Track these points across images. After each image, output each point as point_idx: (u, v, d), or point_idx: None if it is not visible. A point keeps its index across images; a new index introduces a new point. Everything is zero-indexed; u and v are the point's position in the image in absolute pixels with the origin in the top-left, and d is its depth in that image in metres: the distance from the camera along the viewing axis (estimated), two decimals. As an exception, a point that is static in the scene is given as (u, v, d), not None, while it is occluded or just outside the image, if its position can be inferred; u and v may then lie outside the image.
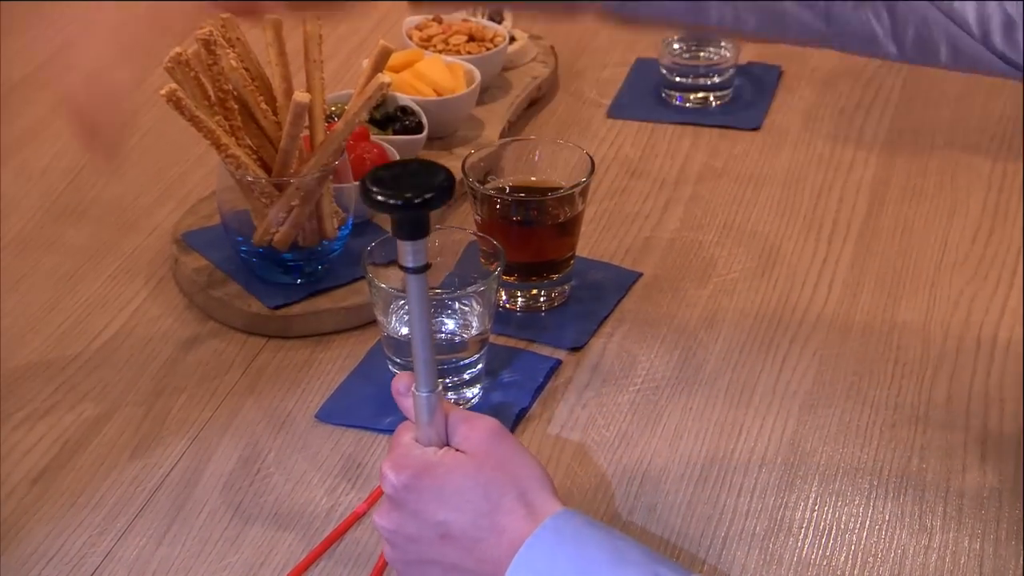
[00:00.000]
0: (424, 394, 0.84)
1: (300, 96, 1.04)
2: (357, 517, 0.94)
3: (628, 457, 0.99)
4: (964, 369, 1.06)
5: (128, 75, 0.87)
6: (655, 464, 0.99)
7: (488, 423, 0.85)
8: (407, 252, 0.81)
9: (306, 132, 1.10)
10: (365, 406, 1.03)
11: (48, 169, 1.29)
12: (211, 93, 1.06)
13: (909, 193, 1.26)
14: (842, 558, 0.92)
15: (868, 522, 0.94)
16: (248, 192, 1.09)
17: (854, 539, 0.93)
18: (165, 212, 1.23)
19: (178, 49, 1.04)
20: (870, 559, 0.92)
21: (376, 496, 0.96)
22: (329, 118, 1.14)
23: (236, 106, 1.07)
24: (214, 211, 1.17)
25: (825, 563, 0.91)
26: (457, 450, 0.85)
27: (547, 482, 0.84)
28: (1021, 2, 0.84)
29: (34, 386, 1.05)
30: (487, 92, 1.36)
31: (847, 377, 1.06)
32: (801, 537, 0.93)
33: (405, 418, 0.88)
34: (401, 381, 0.88)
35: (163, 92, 1.01)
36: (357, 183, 1.13)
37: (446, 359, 1.02)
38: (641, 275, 1.17)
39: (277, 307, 1.11)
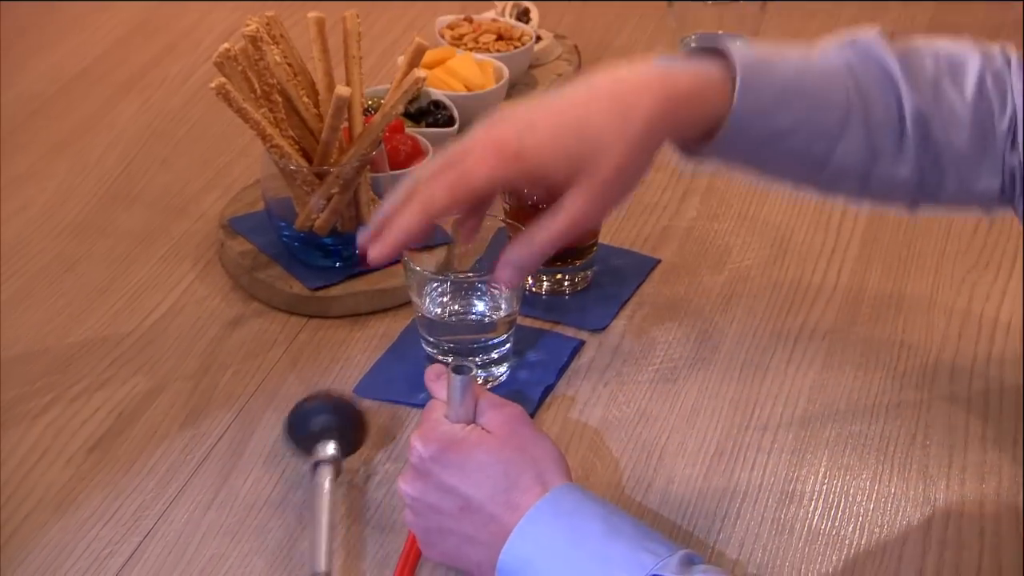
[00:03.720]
0: (458, 378, 0.84)
1: (341, 90, 1.05)
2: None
3: (647, 433, 1.00)
4: (966, 351, 1.06)
5: None
6: (672, 439, 0.99)
7: (514, 409, 0.86)
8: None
9: (345, 124, 1.10)
10: (399, 382, 1.04)
11: (102, 158, 1.30)
12: (256, 87, 1.07)
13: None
14: (850, 528, 0.92)
15: (875, 495, 0.94)
16: (291, 180, 1.10)
17: (861, 511, 0.93)
18: (212, 199, 1.24)
19: (226, 45, 1.04)
20: (876, 529, 0.92)
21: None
22: (367, 111, 1.15)
23: (280, 99, 1.08)
24: (258, 198, 1.17)
25: (834, 533, 0.92)
26: (483, 429, 0.85)
27: (563, 466, 0.84)
28: None
29: (90, 361, 1.06)
30: (515, 88, 1.36)
31: (855, 358, 1.06)
32: (811, 508, 0.93)
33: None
34: (433, 370, 0.90)
35: (213, 85, 1.02)
36: (393, 172, 1.15)
37: (476, 339, 1.02)
38: (660, 261, 1.17)
39: (317, 288, 1.11)
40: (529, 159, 0.82)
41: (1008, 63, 0.91)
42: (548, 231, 0.84)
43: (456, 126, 1.26)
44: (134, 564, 0.89)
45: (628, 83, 0.84)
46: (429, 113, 1.26)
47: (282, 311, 1.11)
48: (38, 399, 1.02)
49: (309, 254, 1.13)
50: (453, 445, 0.84)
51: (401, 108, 1.09)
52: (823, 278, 1.15)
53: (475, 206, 0.88)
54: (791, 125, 0.86)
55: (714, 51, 0.86)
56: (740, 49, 0.86)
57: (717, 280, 1.15)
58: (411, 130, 1.22)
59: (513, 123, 0.84)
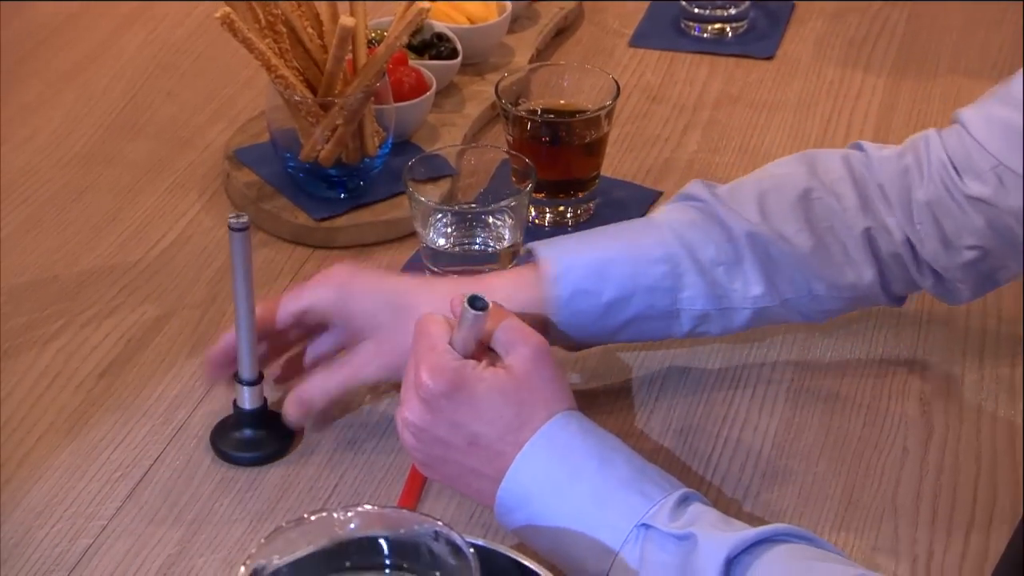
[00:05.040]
0: (472, 312, 0.81)
1: (346, 20, 1.04)
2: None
3: (650, 362, 1.00)
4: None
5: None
6: (674, 368, 0.99)
7: (535, 342, 0.83)
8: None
9: (349, 56, 1.09)
10: (405, 311, 1.04)
11: (108, 89, 1.29)
12: (261, 18, 1.06)
13: (914, 118, 1.26)
14: (848, 453, 0.92)
15: (874, 419, 0.95)
16: (295, 111, 1.09)
17: (859, 435, 0.94)
18: (217, 131, 1.23)
19: (232, -25, 1.03)
20: (873, 453, 0.93)
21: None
22: (370, 43, 1.14)
23: (284, 30, 1.07)
24: (262, 130, 1.17)
25: (832, 457, 0.92)
26: (498, 365, 0.83)
27: (574, 409, 0.83)
28: None
29: (99, 288, 1.06)
30: (517, 22, 1.35)
31: (853, 289, 1.06)
32: (809, 434, 0.94)
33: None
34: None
35: (218, 15, 1.01)
36: (397, 104, 1.14)
37: (480, 269, 1.02)
38: (661, 194, 1.17)
39: (322, 219, 1.11)
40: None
41: (863, 150, 0.96)
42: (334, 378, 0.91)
43: (459, 59, 1.25)
44: (145, 486, 0.90)
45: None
46: (432, 45, 1.25)
47: (287, 241, 1.11)
48: (48, 325, 1.02)
49: (314, 185, 1.13)
50: (466, 384, 0.81)
51: (405, 40, 1.09)
52: (823, 210, 1.15)
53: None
54: (617, 294, 0.91)
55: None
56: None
57: (718, 212, 1.15)
58: (414, 62, 1.22)
59: None
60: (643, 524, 0.76)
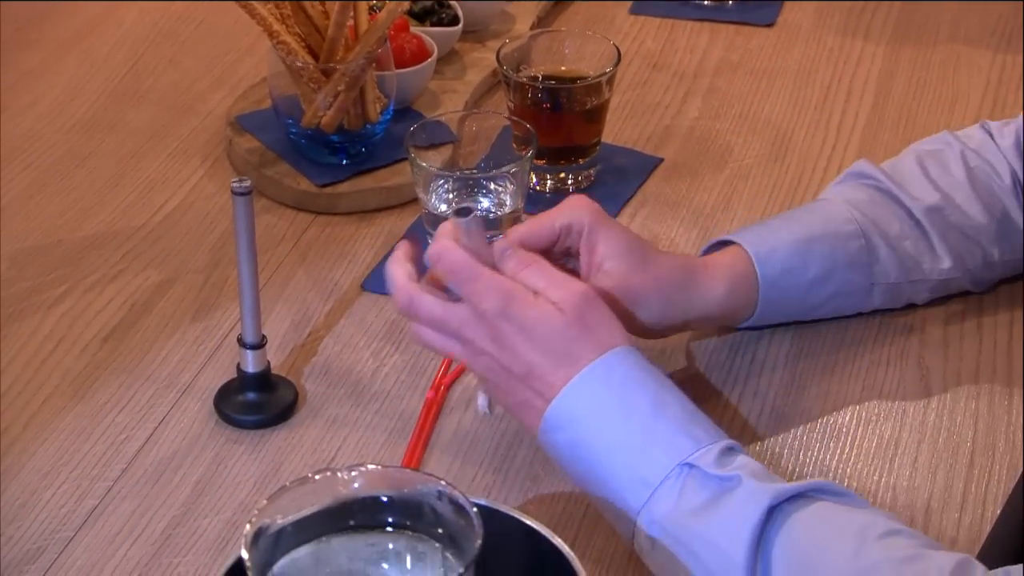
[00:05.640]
0: (463, 220, 0.82)
1: (348, -14, 1.04)
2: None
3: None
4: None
5: None
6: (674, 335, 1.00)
7: (584, 288, 0.83)
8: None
9: (351, 22, 1.09)
10: (407, 276, 1.04)
11: (110, 56, 1.29)
12: (263, -17, 1.06)
13: (913, 85, 1.26)
14: (847, 418, 0.93)
15: (872, 383, 0.95)
16: (297, 77, 1.09)
17: (858, 400, 0.94)
18: (219, 97, 1.23)
19: (233, -60, 1.03)
20: (873, 417, 0.93)
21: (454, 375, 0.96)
22: (372, 9, 1.14)
23: (287, -4, 1.07)
24: (264, 96, 1.17)
25: (831, 421, 0.93)
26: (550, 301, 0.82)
27: (631, 347, 0.82)
28: None
29: (103, 253, 1.06)
30: (519, -11, 1.35)
31: (853, 255, 1.06)
32: (810, 398, 0.94)
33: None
34: (440, 233, 0.87)
35: (220, -20, 1.01)
36: (399, 71, 1.14)
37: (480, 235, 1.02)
38: (662, 160, 1.17)
39: (324, 185, 1.11)
40: None
41: (989, 133, 1.00)
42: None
43: (460, 25, 1.24)
44: (150, 448, 0.90)
45: None
46: (433, 12, 1.25)
47: (290, 207, 1.11)
48: (52, 289, 1.02)
49: (316, 151, 1.13)
50: (517, 301, 0.81)
51: (406, 6, 1.09)
52: (823, 176, 1.15)
53: None
54: (819, 271, 0.94)
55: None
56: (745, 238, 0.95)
57: (719, 179, 1.15)
58: (416, 29, 1.21)
59: None
60: (687, 463, 0.77)
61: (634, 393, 0.80)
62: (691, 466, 0.77)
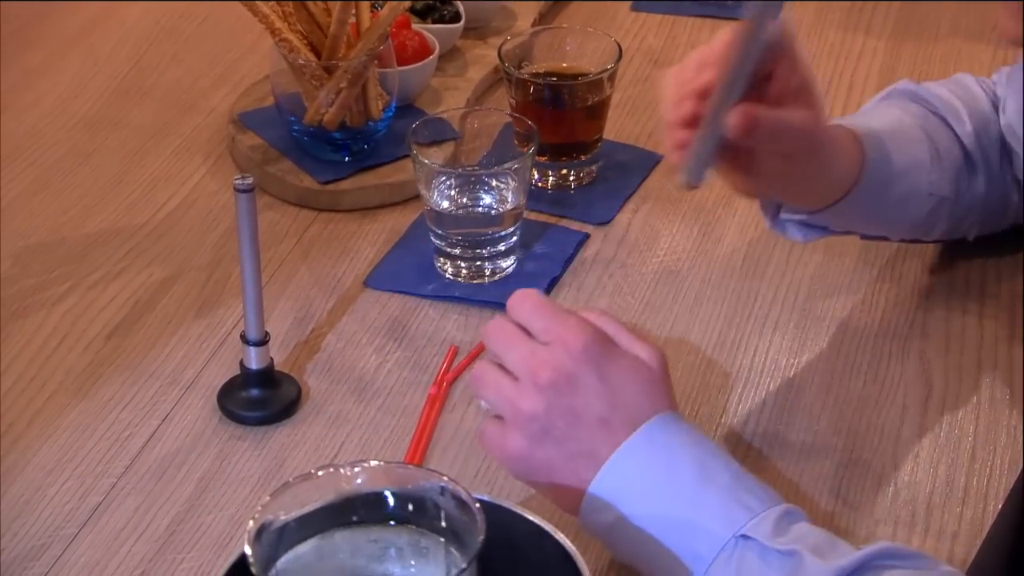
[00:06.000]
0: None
1: (349, -17, 1.04)
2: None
3: (652, 322, 1.00)
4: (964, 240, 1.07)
5: None
6: (677, 328, 1.00)
7: (658, 352, 0.80)
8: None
9: (353, 19, 1.09)
10: (409, 273, 1.04)
11: (113, 54, 1.29)
12: (265, -20, 1.06)
13: (915, 80, 1.25)
14: (849, 411, 0.93)
15: (874, 379, 0.95)
16: (299, 75, 1.09)
17: (860, 394, 0.94)
18: (221, 95, 1.23)
19: (235, -62, 1.03)
20: (875, 411, 0.93)
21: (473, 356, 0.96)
22: (374, 7, 1.14)
23: (289, -7, 1.07)
24: (267, 94, 1.17)
25: (834, 415, 0.93)
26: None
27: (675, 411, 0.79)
28: None
29: (106, 251, 1.06)
30: (521, -16, 1.35)
31: (855, 251, 1.06)
32: (811, 393, 0.94)
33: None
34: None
35: (222, -22, 1.01)
36: (400, 68, 1.14)
37: (483, 232, 1.02)
38: (664, 157, 1.17)
39: (327, 182, 1.11)
40: None
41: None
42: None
43: (461, 22, 1.25)
44: (153, 445, 0.90)
45: None
46: (435, 9, 1.25)
47: (292, 204, 1.11)
48: (56, 287, 1.02)
49: (319, 148, 1.13)
50: (606, 340, 0.78)
51: (408, 4, 1.09)
52: (824, 172, 1.15)
53: None
54: (905, 166, 0.94)
55: None
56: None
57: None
58: (417, 26, 1.21)
59: None
60: (742, 535, 0.72)
61: (678, 461, 0.75)
62: (747, 538, 0.72)
